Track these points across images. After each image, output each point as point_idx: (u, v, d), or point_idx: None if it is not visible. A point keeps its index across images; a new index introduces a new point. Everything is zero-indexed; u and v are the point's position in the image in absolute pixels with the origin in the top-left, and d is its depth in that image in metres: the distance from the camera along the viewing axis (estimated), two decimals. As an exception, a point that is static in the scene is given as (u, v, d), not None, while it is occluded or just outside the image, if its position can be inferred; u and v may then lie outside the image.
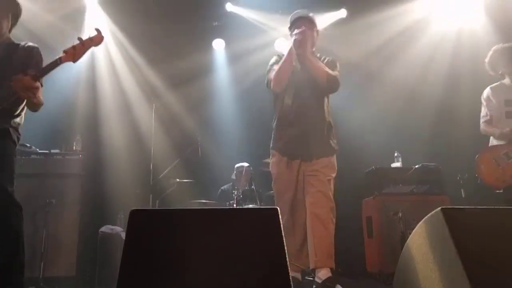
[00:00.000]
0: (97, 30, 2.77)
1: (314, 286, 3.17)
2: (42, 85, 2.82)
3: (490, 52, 3.96)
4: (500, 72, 3.94)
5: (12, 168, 2.73)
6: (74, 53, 2.67)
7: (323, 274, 3.10)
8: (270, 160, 3.56)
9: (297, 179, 3.39)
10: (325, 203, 3.25)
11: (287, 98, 3.42)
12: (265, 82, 3.57)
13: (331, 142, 3.45)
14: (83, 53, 2.71)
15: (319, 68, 3.38)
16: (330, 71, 3.39)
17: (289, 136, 3.43)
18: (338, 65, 3.53)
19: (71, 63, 2.71)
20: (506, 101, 3.82)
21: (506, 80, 3.92)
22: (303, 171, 3.39)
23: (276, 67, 3.42)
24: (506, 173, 3.60)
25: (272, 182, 3.53)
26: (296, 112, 3.40)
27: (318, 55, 3.60)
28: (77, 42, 2.70)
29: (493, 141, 3.86)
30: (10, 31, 2.97)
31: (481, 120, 3.97)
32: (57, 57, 2.67)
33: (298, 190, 3.39)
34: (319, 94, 3.45)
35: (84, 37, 2.73)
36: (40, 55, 2.89)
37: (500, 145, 3.74)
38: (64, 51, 2.67)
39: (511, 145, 3.68)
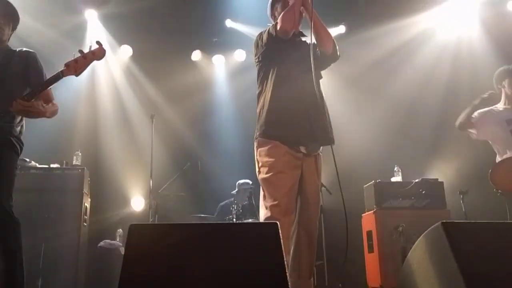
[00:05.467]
0: (98, 42, 2.65)
1: None
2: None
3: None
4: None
5: (12, 181, 2.60)
6: (76, 67, 2.58)
7: None
8: None
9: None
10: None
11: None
12: (264, 37, 2.85)
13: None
14: (86, 66, 2.61)
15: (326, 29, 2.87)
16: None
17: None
18: None
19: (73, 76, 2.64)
20: (507, 121, 3.83)
21: (499, 105, 3.96)
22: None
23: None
24: None
25: None
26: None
27: None
28: (78, 55, 2.60)
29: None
30: (8, 39, 2.94)
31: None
32: (59, 70, 2.60)
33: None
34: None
35: (86, 50, 2.64)
36: (36, 60, 2.84)
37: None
38: (66, 65, 2.58)
39: None
